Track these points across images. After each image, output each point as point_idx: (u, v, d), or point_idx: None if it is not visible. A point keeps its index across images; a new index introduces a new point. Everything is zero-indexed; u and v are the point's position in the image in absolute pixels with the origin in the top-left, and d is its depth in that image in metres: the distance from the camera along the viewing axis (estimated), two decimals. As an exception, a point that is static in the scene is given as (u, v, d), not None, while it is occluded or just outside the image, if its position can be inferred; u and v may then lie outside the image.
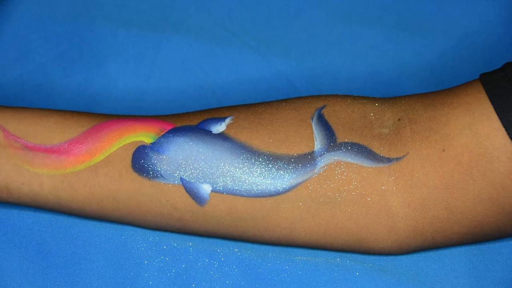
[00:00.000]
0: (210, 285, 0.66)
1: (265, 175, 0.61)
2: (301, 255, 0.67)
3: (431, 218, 0.60)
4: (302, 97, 0.65)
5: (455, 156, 0.59)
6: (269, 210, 0.61)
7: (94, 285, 0.66)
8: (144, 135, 0.63)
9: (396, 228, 0.61)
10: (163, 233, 0.68)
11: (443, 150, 0.59)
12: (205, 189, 0.61)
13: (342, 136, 0.61)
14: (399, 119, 0.62)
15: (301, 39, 0.81)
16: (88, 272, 0.67)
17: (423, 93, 0.63)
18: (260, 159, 0.61)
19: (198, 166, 0.62)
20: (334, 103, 0.63)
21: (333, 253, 0.67)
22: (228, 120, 0.63)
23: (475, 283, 0.66)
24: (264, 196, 0.61)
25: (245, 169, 0.61)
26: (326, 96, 0.64)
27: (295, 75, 0.79)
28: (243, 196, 0.61)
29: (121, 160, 0.63)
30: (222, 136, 0.62)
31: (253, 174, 0.61)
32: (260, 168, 0.61)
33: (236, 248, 0.67)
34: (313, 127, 0.62)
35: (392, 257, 0.67)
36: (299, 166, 0.61)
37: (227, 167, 0.61)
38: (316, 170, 0.61)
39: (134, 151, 0.63)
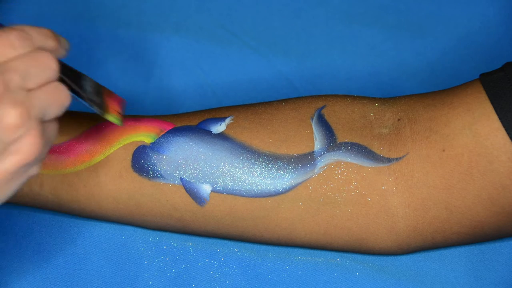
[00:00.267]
0: (210, 285, 0.66)
1: (265, 175, 0.61)
2: (301, 255, 0.67)
3: (431, 218, 0.60)
4: (302, 97, 0.65)
5: (455, 156, 0.59)
6: (269, 210, 0.61)
7: (94, 285, 0.66)
8: (144, 135, 0.63)
9: (396, 228, 0.61)
10: (163, 233, 0.68)
11: (443, 150, 0.59)
12: (205, 189, 0.61)
13: (342, 136, 0.61)
14: (399, 119, 0.62)
15: (301, 39, 0.81)
16: (88, 272, 0.67)
17: (423, 93, 0.63)
18: (260, 159, 0.61)
19: (198, 166, 0.62)
20: (334, 103, 0.63)
21: (333, 253, 0.67)
22: (228, 120, 0.63)
23: (475, 283, 0.66)
24: (264, 196, 0.61)
25: (245, 169, 0.61)
26: (326, 96, 0.64)
27: (295, 75, 0.79)
28: (243, 196, 0.61)
29: (121, 160, 0.63)
30: (222, 136, 0.62)
31: (253, 174, 0.61)
32: (260, 168, 0.61)
33: (236, 248, 0.67)
34: (313, 127, 0.62)
35: (392, 257, 0.67)
36: (299, 166, 0.61)
37: (227, 167, 0.61)
38: (316, 170, 0.61)
39: (134, 151, 0.63)
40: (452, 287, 0.66)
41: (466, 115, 0.59)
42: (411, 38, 0.80)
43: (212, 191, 0.61)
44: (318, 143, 0.61)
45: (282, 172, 0.61)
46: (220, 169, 0.61)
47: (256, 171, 0.61)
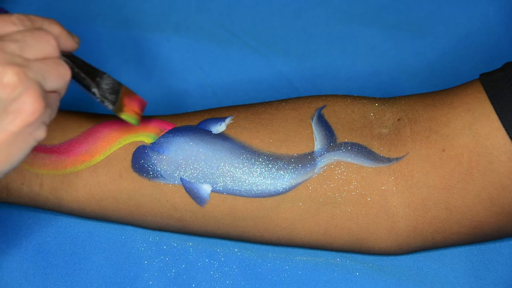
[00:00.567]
0: (210, 285, 0.66)
1: (265, 175, 0.61)
2: (301, 255, 0.67)
3: (431, 218, 0.60)
4: (302, 97, 0.65)
5: (455, 156, 0.59)
6: (269, 210, 0.61)
7: (94, 285, 0.66)
8: (144, 135, 0.63)
9: (396, 228, 0.61)
10: (163, 233, 0.68)
11: (443, 150, 0.59)
12: (205, 189, 0.61)
13: (342, 136, 0.61)
14: (399, 119, 0.62)
15: (301, 39, 0.81)
16: (88, 272, 0.67)
17: (423, 93, 0.63)
18: (260, 159, 0.61)
19: (198, 166, 0.62)
20: (334, 103, 0.63)
21: (333, 253, 0.67)
22: (228, 120, 0.63)
23: (475, 283, 0.66)
24: (264, 196, 0.61)
25: (245, 169, 0.61)
26: (326, 96, 0.64)
27: (295, 75, 0.79)
28: (243, 196, 0.61)
29: (121, 160, 0.63)
30: (222, 136, 0.62)
31: (253, 174, 0.61)
32: (260, 168, 0.61)
33: (236, 248, 0.67)
34: (313, 127, 0.62)
35: (392, 257, 0.67)
36: (299, 166, 0.61)
37: (227, 167, 0.61)
38: (316, 170, 0.61)
39: (134, 151, 0.63)
40: (452, 287, 0.66)
41: (466, 115, 0.59)
42: (411, 38, 0.80)
43: (212, 191, 0.61)
44: (318, 143, 0.61)
45: (282, 172, 0.61)
46: (220, 169, 0.61)
47: (256, 171, 0.61)
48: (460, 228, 0.60)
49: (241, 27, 0.81)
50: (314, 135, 0.62)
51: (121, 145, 0.63)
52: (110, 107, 0.58)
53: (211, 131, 0.63)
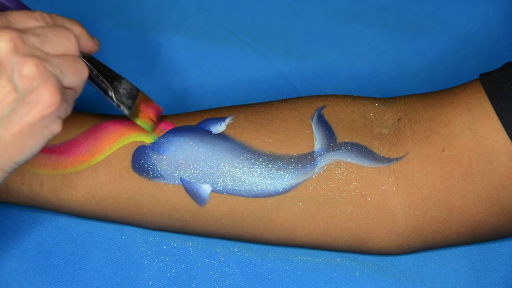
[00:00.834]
0: (210, 285, 0.66)
1: (265, 175, 0.61)
2: (301, 255, 0.67)
3: (431, 218, 0.60)
4: (302, 97, 0.65)
5: (455, 156, 0.59)
6: (269, 210, 0.61)
7: (94, 285, 0.66)
8: (144, 135, 0.63)
9: (396, 228, 0.61)
10: (163, 233, 0.68)
11: (443, 150, 0.59)
12: (205, 189, 0.61)
13: (342, 136, 0.61)
14: (399, 119, 0.62)
15: (301, 39, 0.81)
16: (88, 272, 0.67)
17: (423, 93, 0.63)
18: (260, 159, 0.61)
19: (198, 166, 0.62)
20: (334, 103, 0.63)
21: (333, 253, 0.67)
22: (228, 120, 0.63)
23: (475, 283, 0.66)
24: (264, 196, 0.61)
25: (245, 169, 0.61)
26: (326, 96, 0.64)
27: (295, 75, 0.79)
28: (243, 196, 0.61)
29: (121, 160, 0.63)
30: (222, 136, 0.62)
31: (253, 174, 0.61)
32: (260, 168, 0.61)
33: (236, 248, 0.67)
34: (313, 127, 0.62)
35: (392, 257, 0.67)
36: (299, 166, 0.61)
37: (227, 167, 0.61)
38: (316, 170, 0.61)
39: (134, 151, 0.63)
40: (452, 287, 0.66)
41: (466, 115, 0.59)
42: (411, 38, 0.80)
43: (212, 191, 0.61)
44: (318, 143, 0.61)
45: (282, 172, 0.61)
46: (220, 169, 0.61)
47: (256, 171, 0.61)
48: (460, 228, 0.60)
49: (241, 27, 0.81)
50: (314, 135, 0.62)
51: (121, 145, 0.63)
52: (126, 111, 0.59)
53: (211, 131, 0.63)
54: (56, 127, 0.51)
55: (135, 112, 0.61)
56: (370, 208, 0.60)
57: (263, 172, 0.61)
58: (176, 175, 0.62)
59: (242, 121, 0.63)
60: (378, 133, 0.61)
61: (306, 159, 0.61)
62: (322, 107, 0.63)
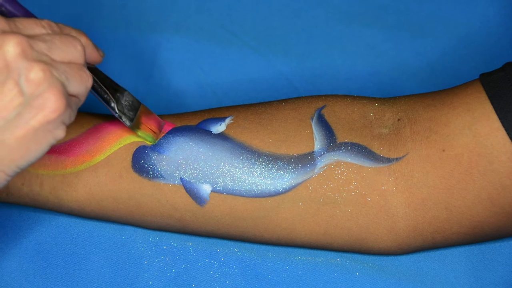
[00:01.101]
0: (210, 285, 0.66)
1: (265, 175, 0.61)
2: (301, 255, 0.67)
3: (431, 218, 0.60)
4: (302, 97, 0.65)
5: (455, 156, 0.59)
6: (269, 210, 0.61)
7: (94, 285, 0.66)
8: (144, 135, 0.63)
9: (396, 228, 0.61)
10: (163, 233, 0.68)
11: (443, 150, 0.59)
12: (205, 189, 0.61)
13: (342, 136, 0.61)
14: (399, 119, 0.62)
15: (301, 39, 0.81)
16: (88, 272, 0.67)
17: (423, 93, 0.63)
18: (260, 159, 0.61)
19: (198, 166, 0.62)
20: (334, 103, 0.63)
21: (333, 253, 0.67)
22: (228, 120, 0.63)
23: (475, 283, 0.66)
24: (264, 196, 0.61)
25: (245, 169, 0.61)
26: (326, 96, 0.64)
27: (295, 75, 0.79)
28: (243, 196, 0.61)
29: (121, 160, 0.63)
30: (222, 136, 0.62)
31: (253, 174, 0.61)
32: (260, 168, 0.61)
33: (236, 248, 0.67)
34: (313, 127, 0.62)
35: (392, 257, 0.67)
36: (299, 166, 0.61)
37: (227, 167, 0.61)
38: (316, 170, 0.61)
39: (134, 151, 0.63)
40: (452, 287, 0.66)
41: (466, 115, 0.59)
42: (411, 38, 0.80)
43: (212, 191, 0.61)
44: (318, 143, 0.61)
45: (282, 172, 0.61)
46: (220, 169, 0.61)
47: (256, 171, 0.61)
48: (460, 228, 0.60)
49: (241, 27, 0.81)
50: (314, 135, 0.62)
51: (121, 145, 0.63)
52: (128, 123, 0.60)
53: (211, 131, 0.63)
54: (60, 132, 0.51)
55: (136, 124, 0.61)
56: (370, 208, 0.60)
57: (263, 172, 0.61)
58: (176, 175, 0.62)
59: (242, 121, 0.63)
60: (378, 133, 0.61)
61: (306, 159, 0.61)
62: (322, 107, 0.63)
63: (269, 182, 0.61)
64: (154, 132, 0.62)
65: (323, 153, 0.61)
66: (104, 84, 0.58)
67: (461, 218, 0.60)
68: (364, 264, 0.67)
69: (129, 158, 0.63)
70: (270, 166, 0.61)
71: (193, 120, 0.64)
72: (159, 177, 0.62)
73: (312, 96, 0.64)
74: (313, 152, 0.61)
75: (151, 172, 0.62)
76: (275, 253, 0.67)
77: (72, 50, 0.52)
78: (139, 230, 0.68)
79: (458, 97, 0.60)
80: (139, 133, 0.62)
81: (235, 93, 0.78)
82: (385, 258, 0.67)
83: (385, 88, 0.78)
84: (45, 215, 0.69)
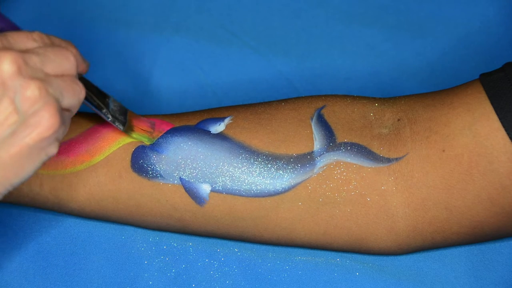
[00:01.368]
0: (210, 285, 0.66)
1: (264, 175, 0.61)
2: (301, 255, 0.67)
3: (431, 218, 0.60)
4: (302, 97, 0.65)
5: (455, 156, 0.59)
6: (268, 210, 0.61)
7: (94, 285, 0.66)
8: (143, 135, 0.63)
9: (396, 228, 0.61)
10: (163, 233, 0.68)
11: (443, 150, 0.59)
12: (205, 189, 0.61)
13: (341, 136, 0.61)
14: (399, 119, 0.62)
15: (301, 39, 0.81)
16: (88, 272, 0.67)
17: (423, 93, 0.63)
18: (259, 159, 0.61)
19: (197, 166, 0.62)
20: (334, 103, 0.63)
21: (333, 253, 0.67)
22: (227, 120, 0.63)
23: (475, 283, 0.66)
24: (263, 196, 0.61)
25: (244, 169, 0.61)
26: (326, 96, 0.64)
27: (295, 75, 0.79)
28: (243, 196, 0.61)
29: (121, 160, 0.63)
30: (221, 136, 0.62)
31: (252, 174, 0.61)
32: (259, 168, 0.61)
33: (236, 248, 0.67)
34: (313, 127, 0.62)
35: (392, 257, 0.67)
36: (298, 166, 0.61)
37: (226, 167, 0.61)
38: (315, 170, 0.61)
39: (133, 151, 0.63)
40: (452, 287, 0.66)
41: (466, 115, 0.59)
42: (411, 38, 0.80)
43: (211, 191, 0.61)
44: (317, 143, 0.61)
45: (281, 172, 0.61)
46: (219, 169, 0.61)
47: (255, 171, 0.61)
48: (460, 228, 0.60)
49: (241, 27, 0.81)
50: (313, 135, 0.62)
51: (121, 145, 0.63)
52: (121, 127, 0.61)
53: (210, 131, 0.63)
54: (53, 149, 0.51)
55: (129, 127, 0.62)
56: (370, 208, 0.60)
57: (262, 172, 0.61)
58: (175, 174, 0.62)
59: (241, 121, 0.63)
60: (378, 133, 0.61)
61: (306, 159, 0.61)
62: (322, 107, 0.63)
63: (268, 182, 0.61)
64: (148, 132, 0.63)
65: (323, 153, 0.61)
66: (92, 92, 0.58)
67: (461, 218, 0.60)
68: (364, 264, 0.67)
69: (128, 158, 0.63)
70: (269, 166, 0.61)
71: (192, 120, 0.64)
72: (158, 176, 0.62)
73: (311, 96, 0.64)
74: (312, 152, 0.61)
75: (150, 172, 0.62)
76: (275, 253, 0.67)
77: (65, 62, 0.52)
78: (139, 230, 0.68)
79: (458, 97, 0.60)
80: (134, 135, 0.62)
81: (235, 93, 0.78)
82: (385, 258, 0.67)
83: (385, 88, 0.78)
84: (45, 215, 0.69)
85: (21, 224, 0.69)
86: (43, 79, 0.50)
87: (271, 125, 0.62)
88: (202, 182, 0.61)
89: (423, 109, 0.61)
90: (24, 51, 0.50)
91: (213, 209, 0.62)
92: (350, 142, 0.61)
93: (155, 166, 0.62)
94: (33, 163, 0.51)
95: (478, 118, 0.58)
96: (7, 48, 0.50)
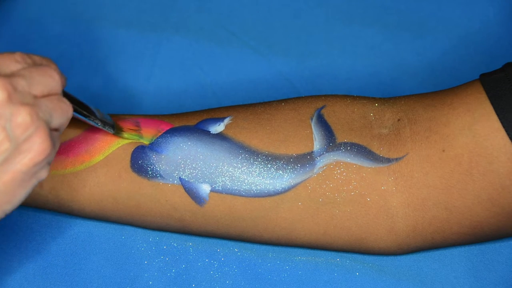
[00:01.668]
0: (210, 285, 0.66)
1: (264, 175, 0.61)
2: (301, 255, 0.67)
3: (431, 218, 0.60)
4: (302, 97, 0.65)
5: (455, 157, 0.59)
6: (268, 210, 0.61)
7: (94, 285, 0.66)
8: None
9: (396, 228, 0.61)
10: (163, 233, 0.68)
11: (443, 151, 0.59)
12: (204, 189, 0.61)
13: (341, 136, 0.61)
14: (399, 119, 0.62)
15: (301, 39, 0.81)
16: (88, 272, 0.67)
17: (423, 93, 0.63)
18: (259, 159, 0.61)
19: (197, 166, 0.62)
20: (334, 103, 0.63)
21: (333, 253, 0.67)
22: (227, 121, 0.63)
23: (475, 283, 0.66)
24: (263, 196, 0.61)
25: (244, 169, 0.61)
26: (326, 96, 0.64)
27: (295, 75, 0.79)
28: (242, 196, 0.61)
29: (120, 160, 0.63)
30: (220, 136, 0.62)
31: (252, 174, 0.61)
32: (259, 168, 0.61)
33: (236, 248, 0.67)
34: (313, 127, 0.62)
35: (392, 257, 0.67)
36: (298, 166, 0.61)
37: (226, 167, 0.61)
38: (315, 170, 0.61)
39: (133, 151, 0.63)
40: (452, 287, 0.66)
41: (466, 115, 0.59)
42: (411, 38, 0.80)
43: (211, 191, 0.61)
44: (317, 143, 0.61)
45: (281, 172, 0.61)
46: (219, 169, 0.61)
47: (255, 171, 0.61)
48: (460, 228, 0.60)
49: (241, 27, 0.82)
50: (313, 135, 0.62)
51: (120, 145, 0.63)
52: (111, 131, 0.61)
53: (210, 131, 0.63)
54: (44, 173, 0.51)
55: (118, 129, 0.62)
56: (370, 208, 0.60)
57: (262, 172, 0.61)
58: (175, 175, 0.62)
59: (241, 121, 0.63)
60: (378, 133, 0.61)
61: (305, 159, 0.61)
62: (322, 107, 0.63)
63: (268, 182, 0.61)
64: (136, 130, 0.63)
65: (323, 153, 0.61)
66: (77, 104, 0.58)
67: (461, 218, 0.60)
68: (364, 264, 0.67)
69: (128, 158, 0.63)
70: (269, 166, 0.61)
71: (191, 120, 0.64)
72: (158, 176, 0.62)
73: (311, 96, 0.64)
74: (312, 152, 0.61)
75: (150, 172, 0.62)
76: (275, 253, 0.67)
77: (50, 81, 0.52)
78: (139, 230, 0.68)
79: (458, 97, 0.60)
80: (125, 135, 0.62)
81: (234, 93, 0.78)
82: (385, 258, 0.67)
83: (385, 88, 0.78)
84: (45, 215, 0.69)
85: (21, 224, 0.69)
86: (33, 104, 0.49)
87: (271, 125, 0.62)
88: (202, 182, 0.61)
89: (423, 109, 0.61)
90: (10, 75, 0.50)
91: (213, 209, 0.62)
92: (350, 142, 0.61)
93: (154, 166, 0.62)
94: (25, 189, 0.50)
95: (478, 118, 0.58)
96: None
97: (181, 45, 0.81)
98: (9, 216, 0.69)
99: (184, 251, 0.67)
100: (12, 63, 0.51)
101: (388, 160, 0.60)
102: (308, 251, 0.67)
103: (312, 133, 0.62)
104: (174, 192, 0.62)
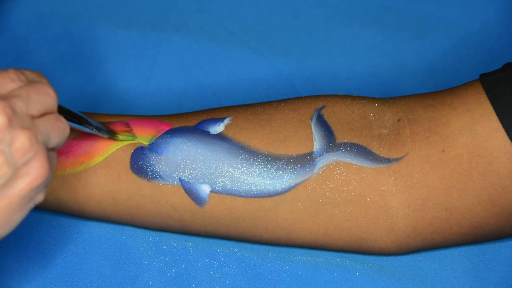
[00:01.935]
0: (210, 285, 0.66)
1: (264, 176, 0.61)
2: (301, 255, 0.67)
3: (431, 219, 0.60)
4: (302, 97, 0.65)
5: (455, 157, 0.59)
6: (268, 210, 0.61)
7: (94, 285, 0.66)
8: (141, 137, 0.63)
9: (396, 228, 0.61)
10: (163, 233, 0.68)
11: (443, 151, 0.59)
12: (204, 189, 0.61)
13: (341, 136, 0.61)
14: (398, 120, 0.62)
15: (301, 39, 0.81)
16: (88, 272, 0.67)
17: (423, 93, 0.63)
18: (259, 160, 0.61)
19: (196, 167, 0.62)
20: (334, 104, 0.63)
21: (333, 253, 0.67)
22: (226, 121, 0.63)
23: (475, 283, 0.66)
24: (263, 197, 0.61)
25: (244, 170, 0.61)
26: (326, 96, 0.64)
27: (295, 75, 0.79)
28: (242, 196, 0.61)
29: (120, 161, 0.63)
30: (220, 136, 0.62)
31: (252, 174, 0.61)
32: (259, 169, 0.61)
33: (236, 248, 0.67)
34: (313, 127, 0.62)
35: (392, 257, 0.67)
36: (298, 167, 0.61)
37: (225, 168, 0.61)
38: (315, 171, 0.61)
39: (133, 152, 0.63)
40: (452, 287, 0.66)
41: (466, 115, 0.59)
42: (411, 38, 0.80)
43: (211, 191, 0.61)
44: (317, 144, 0.61)
45: (281, 172, 0.61)
46: (219, 169, 0.61)
47: (255, 171, 0.61)
48: (460, 228, 0.60)
49: (241, 27, 0.81)
50: (313, 136, 0.62)
51: (119, 146, 0.63)
52: (106, 135, 0.61)
53: (209, 132, 0.63)
54: (41, 196, 0.51)
55: (112, 132, 0.62)
56: (370, 208, 0.60)
57: (262, 172, 0.61)
58: (175, 175, 0.62)
59: (241, 122, 0.63)
60: (378, 134, 0.61)
61: (305, 160, 0.61)
62: (322, 107, 0.63)
63: (268, 182, 0.61)
64: (128, 131, 0.63)
65: (323, 153, 0.61)
66: (70, 114, 0.57)
67: (461, 218, 0.60)
68: (364, 264, 0.67)
69: (128, 159, 0.63)
70: (269, 166, 0.61)
71: (191, 120, 0.64)
72: (158, 177, 0.62)
73: (311, 96, 0.64)
74: (312, 152, 0.61)
75: (149, 173, 0.62)
76: (275, 253, 0.67)
77: (47, 98, 0.51)
78: (139, 230, 0.68)
79: (458, 98, 0.60)
80: (120, 137, 0.62)
81: (234, 93, 0.78)
82: (385, 258, 0.67)
83: (385, 88, 0.78)
84: (45, 215, 0.69)
85: (21, 224, 0.68)
86: (31, 127, 0.49)
87: (270, 126, 0.62)
88: (201, 183, 0.61)
89: (423, 109, 0.61)
90: (7, 96, 0.49)
91: (212, 209, 0.62)
92: (350, 143, 0.61)
93: (154, 167, 0.62)
94: (22, 213, 0.50)
95: (478, 119, 0.58)
96: None
97: (181, 45, 0.81)
98: (9, 216, 0.69)
99: (184, 251, 0.67)
100: (7, 82, 0.50)
101: (388, 160, 0.60)
102: (308, 251, 0.67)
103: (312, 133, 0.62)
104: (174, 193, 0.62)
